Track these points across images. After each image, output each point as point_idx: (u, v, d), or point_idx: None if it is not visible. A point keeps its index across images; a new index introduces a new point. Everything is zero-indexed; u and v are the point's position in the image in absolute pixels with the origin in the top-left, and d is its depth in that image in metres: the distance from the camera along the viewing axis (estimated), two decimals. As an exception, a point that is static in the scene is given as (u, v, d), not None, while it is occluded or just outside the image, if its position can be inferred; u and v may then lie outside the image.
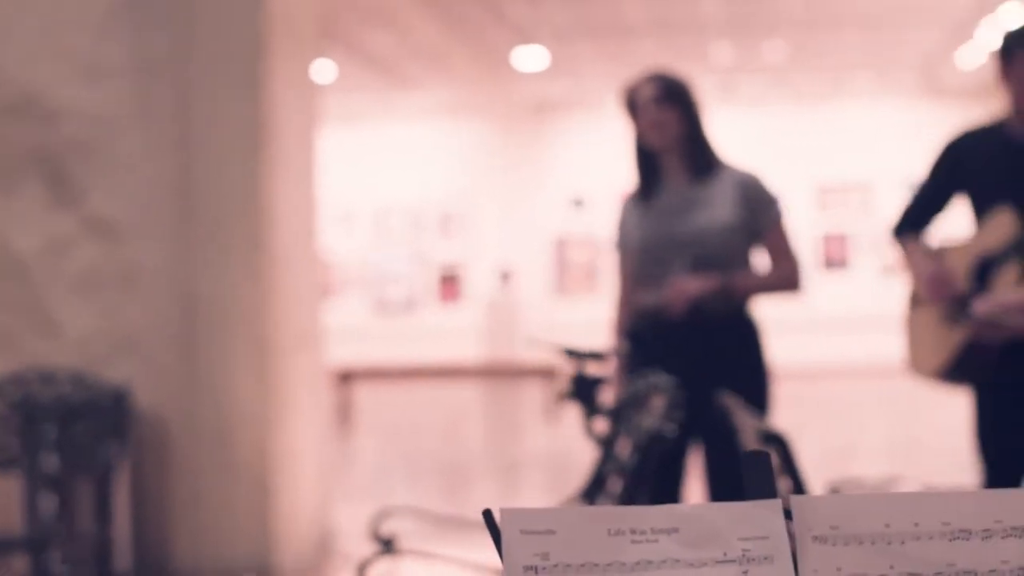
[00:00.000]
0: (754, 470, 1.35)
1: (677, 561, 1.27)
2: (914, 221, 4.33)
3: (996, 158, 4.12)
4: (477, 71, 15.63)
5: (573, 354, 3.19)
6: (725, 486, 4.05)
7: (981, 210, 4.14)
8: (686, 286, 4.16)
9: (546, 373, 13.68)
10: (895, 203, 16.65)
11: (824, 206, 17.61)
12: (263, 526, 6.19)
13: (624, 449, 3.00)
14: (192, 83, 6.16)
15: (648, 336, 4.25)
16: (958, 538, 1.28)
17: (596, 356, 3.20)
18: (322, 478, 6.74)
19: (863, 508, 1.29)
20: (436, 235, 19.42)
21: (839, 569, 1.27)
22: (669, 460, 3.93)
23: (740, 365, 4.23)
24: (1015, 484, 4.04)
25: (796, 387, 13.15)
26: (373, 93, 17.00)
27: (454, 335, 18.53)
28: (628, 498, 2.94)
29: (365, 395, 15.42)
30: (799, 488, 2.35)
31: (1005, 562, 1.28)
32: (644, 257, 4.29)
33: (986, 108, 16.23)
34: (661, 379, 3.00)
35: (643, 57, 14.59)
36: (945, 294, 4.09)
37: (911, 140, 16.35)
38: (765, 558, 1.27)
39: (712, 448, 4.14)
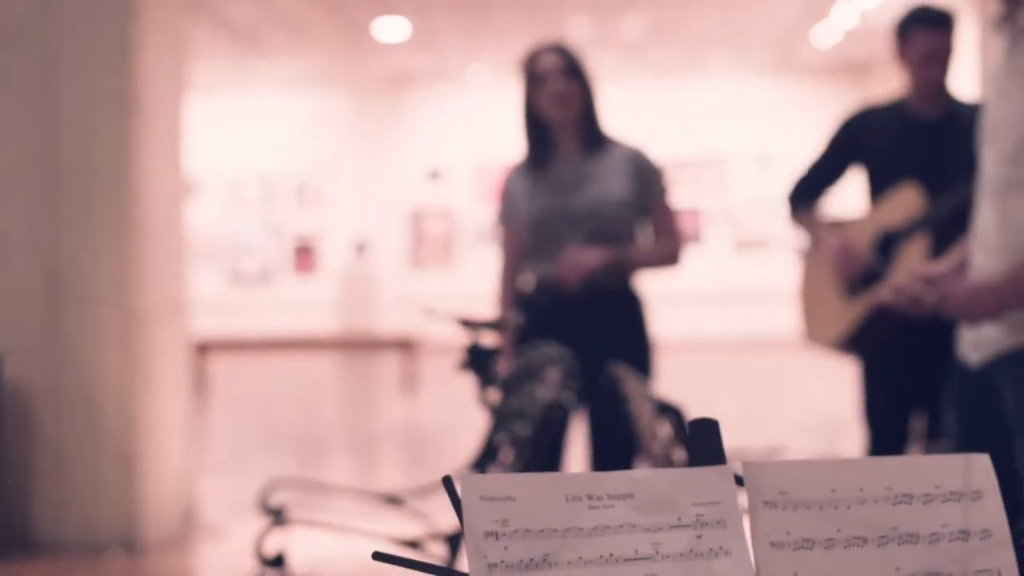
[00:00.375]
0: (703, 438, 1.38)
1: (633, 526, 1.30)
2: (808, 192, 4.44)
3: (896, 135, 4.25)
4: (337, 41, 15.51)
5: (468, 324, 3.20)
6: (610, 453, 4.10)
7: (880, 185, 4.25)
8: (581, 258, 4.18)
9: (403, 345, 13.67)
10: (749, 179, 16.94)
11: (679, 181, 17.87)
12: (128, 498, 6.10)
13: (517, 419, 3.02)
14: (59, 48, 6.02)
15: (540, 308, 4.27)
16: (900, 502, 1.33)
17: (491, 326, 3.22)
18: (186, 450, 6.66)
19: (811, 474, 1.34)
20: (291, 206, 19.25)
21: (788, 533, 1.31)
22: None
23: (628, 337, 4.29)
24: (899, 452, 4.18)
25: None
26: (229, 61, 16.76)
27: (310, 307, 18.40)
28: (523, 468, 2.97)
29: (221, 368, 15.24)
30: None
31: (945, 525, 1.33)
32: (536, 230, 4.30)
33: (841, 86, 16.61)
34: (556, 350, 3.03)
35: (503, 31, 14.62)
36: (851, 266, 4.18)
37: (766, 116, 16.67)
38: (718, 522, 1.31)
39: (598, 417, 4.19)
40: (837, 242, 4.22)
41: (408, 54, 16.47)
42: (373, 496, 3.17)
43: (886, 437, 4.25)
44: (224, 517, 6.88)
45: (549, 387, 2.93)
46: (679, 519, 1.31)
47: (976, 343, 2.87)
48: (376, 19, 14.12)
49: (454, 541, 2.93)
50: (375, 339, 15.74)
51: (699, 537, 1.30)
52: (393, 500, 3.06)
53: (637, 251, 4.28)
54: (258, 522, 4.04)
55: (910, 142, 4.19)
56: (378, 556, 1.23)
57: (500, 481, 1.31)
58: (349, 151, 18.85)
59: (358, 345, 16.61)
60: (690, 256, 18.38)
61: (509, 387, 3.15)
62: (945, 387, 4.05)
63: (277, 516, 3.15)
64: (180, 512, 6.53)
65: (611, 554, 1.26)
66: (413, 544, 2.92)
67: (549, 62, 4.28)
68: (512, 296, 4.40)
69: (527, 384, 3.07)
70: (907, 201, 4.11)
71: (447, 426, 9.91)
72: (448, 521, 2.27)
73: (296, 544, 3.35)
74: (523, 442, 2.95)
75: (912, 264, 4.00)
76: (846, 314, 4.23)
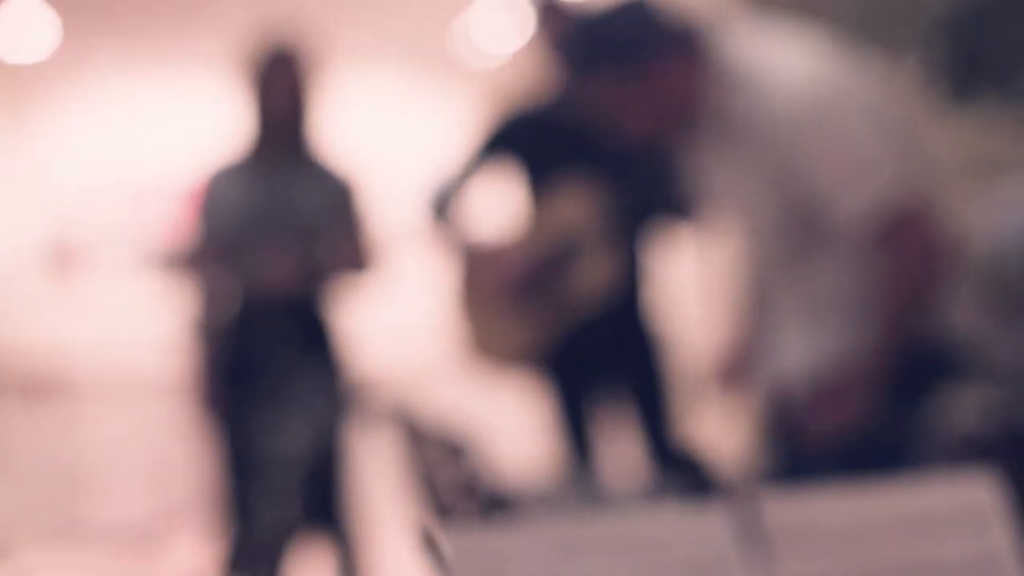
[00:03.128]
0: (691, 475, 1.26)
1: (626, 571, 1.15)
2: (450, 200, 4.27)
3: (551, 137, 4.15)
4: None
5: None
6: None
7: (538, 188, 4.14)
8: (288, 261, 4.09)
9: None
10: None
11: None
12: None
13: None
14: None
15: (250, 317, 4.13)
16: (914, 529, 1.25)
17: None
18: None
19: (827, 507, 1.23)
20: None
21: (805, 569, 1.20)
22: None
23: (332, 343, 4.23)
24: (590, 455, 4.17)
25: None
26: None
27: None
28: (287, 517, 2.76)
29: None
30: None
31: (960, 554, 1.25)
32: (242, 234, 4.16)
33: (481, 85, 16.68)
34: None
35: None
36: (524, 271, 4.09)
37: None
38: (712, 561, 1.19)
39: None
40: (506, 248, 4.13)
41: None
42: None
43: (574, 450, 4.21)
44: None
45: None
46: (671, 560, 1.18)
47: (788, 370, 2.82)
48: None
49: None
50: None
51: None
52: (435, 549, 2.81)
53: (338, 256, 4.21)
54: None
55: (567, 142, 4.11)
56: None
57: (487, 535, 1.15)
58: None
59: None
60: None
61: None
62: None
63: None
64: None
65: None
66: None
67: (279, 61, 4.20)
68: (214, 309, 4.23)
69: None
70: (573, 204, 4.05)
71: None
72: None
73: None
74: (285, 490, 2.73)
75: (591, 277, 4.00)
76: (529, 326, 4.12)
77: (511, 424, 5.43)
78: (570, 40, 2.83)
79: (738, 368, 2.92)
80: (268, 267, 4.12)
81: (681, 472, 1.21)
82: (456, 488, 2.32)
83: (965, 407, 2.86)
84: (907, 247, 2.59)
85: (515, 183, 4.29)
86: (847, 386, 2.59)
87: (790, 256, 2.70)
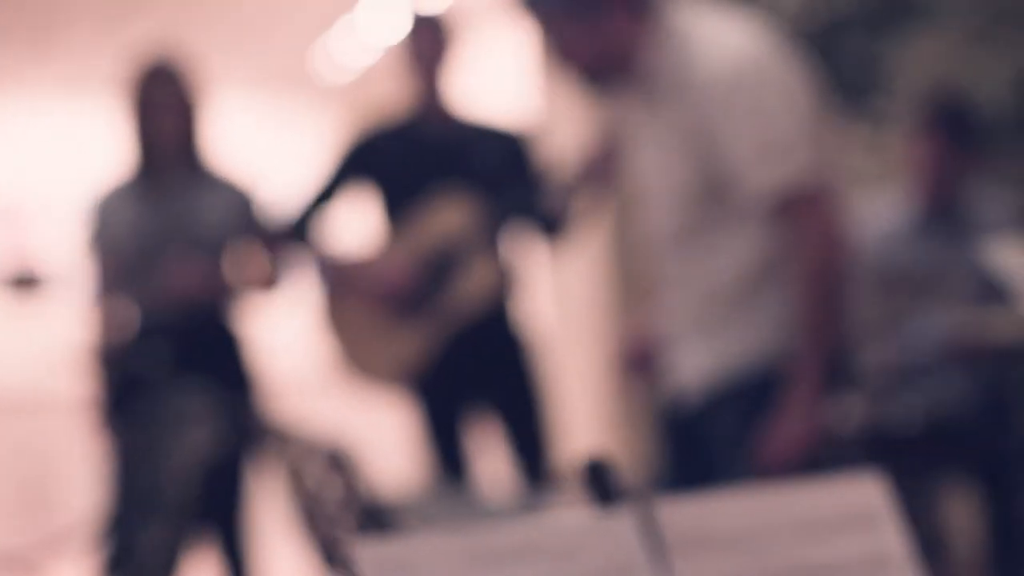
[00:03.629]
0: (599, 480, 1.28)
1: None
2: (313, 219, 4.24)
3: (413, 153, 4.14)
4: None
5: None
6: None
7: (400, 206, 4.15)
8: (192, 271, 4.05)
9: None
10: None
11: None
12: None
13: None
14: None
15: (148, 338, 4.06)
16: (806, 532, 1.28)
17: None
18: None
19: (722, 511, 1.26)
20: None
21: (705, 571, 1.24)
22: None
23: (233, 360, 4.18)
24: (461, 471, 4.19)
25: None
26: None
27: None
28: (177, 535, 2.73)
29: None
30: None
31: (851, 555, 1.29)
32: (140, 255, 4.10)
33: (338, 107, 16.67)
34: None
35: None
36: (404, 289, 4.07)
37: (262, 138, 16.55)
38: (620, 567, 1.22)
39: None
40: (378, 264, 4.11)
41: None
42: None
43: (445, 469, 4.18)
44: None
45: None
46: (584, 565, 1.21)
47: (684, 372, 2.84)
48: None
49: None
50: None
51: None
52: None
53: (244, 272, 4.18)
54: None
55: (429, 158, 4.07)
56: None
57: (400, 546, 1.16)
58: None
59: None
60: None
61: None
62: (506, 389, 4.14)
63: None
64: None
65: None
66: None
67: (163, 83, 4.15)
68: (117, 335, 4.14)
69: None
70: (446, 218, 4.07)
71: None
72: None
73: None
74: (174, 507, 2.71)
75: (475, 286, 4.04)
76: (411, 340, 4.12)
77: (386, 438, 5.43)
78: None
79: (639, 359, 2.96)
80: (174, 284, 4.04)
81: (587, 479, 1.21)
82: (337, 501, 2.32)
83: (841, 410, 2.93)
84: (815, 226, 2.64)
85: (376, 200, 4.28)
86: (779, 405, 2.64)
87: (692, 232, 2.74)
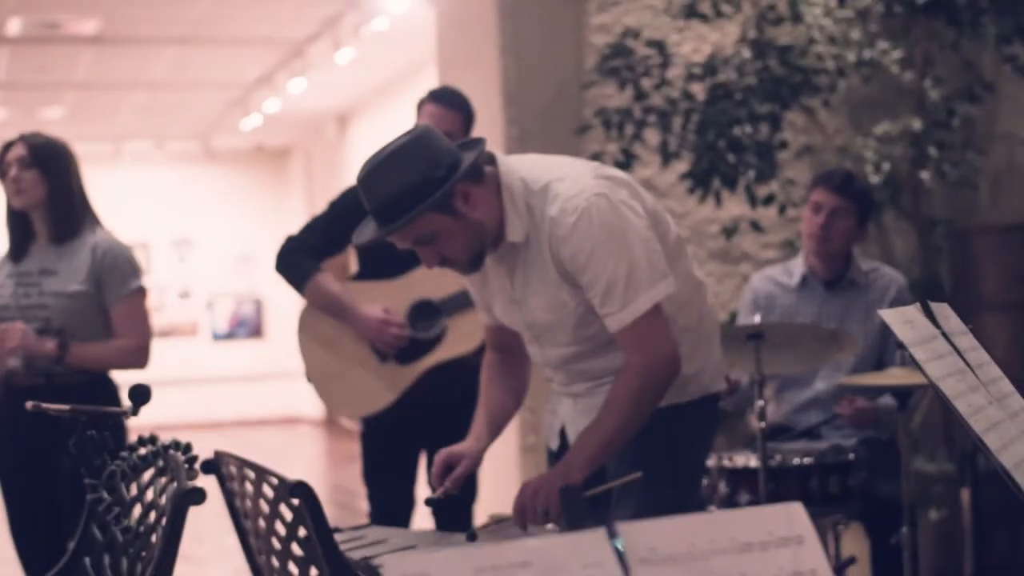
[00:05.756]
0: (572, 505, 1.52)
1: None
2: (314, 255, 4.37)
3: None
4: None
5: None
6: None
7: (389, 256, 4.31)
8: (20, 336, 4.10)
9: None
10: (169, 262, 16.80)
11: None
12: None
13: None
14: None
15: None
16: (745, 551, 1.53)
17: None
18: None
19: (674, 531, 1.51)
20: None
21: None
22: None
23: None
24: (402, 523, 4.38)
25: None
26: None
27: None
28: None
29: None
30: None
31: (781, 568, 1.54)
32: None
33: (261, 171, 16.91)
34: None
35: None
36: (395, 335, 4.32)
37: (185, 201, 16.64)
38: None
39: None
40: (374, 311, 4.32)
41: None
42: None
43: (383, 508, 4.38)
44: None
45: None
46: None
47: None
48: None
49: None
50: None
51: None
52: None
53: (83, 347, 4.17)
54: None
55: None
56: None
57: (417, 561, 1.39)
58: None
59: None
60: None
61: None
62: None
63: None
64: None
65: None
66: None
67: (12, 154, 4.24)
68: None
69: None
70: (446, 274, 4.27)
71: None
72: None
73: None
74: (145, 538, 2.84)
75: (460, 337, 4.28)
76: (394, 385, 4.36)
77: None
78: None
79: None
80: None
81: (564, 505, 1.39)
82: (284, 532, 2.47)
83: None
84: (644, 351, 2.80)
85: (365, 251, 4.43)
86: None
87: (583, 354, 2.96)
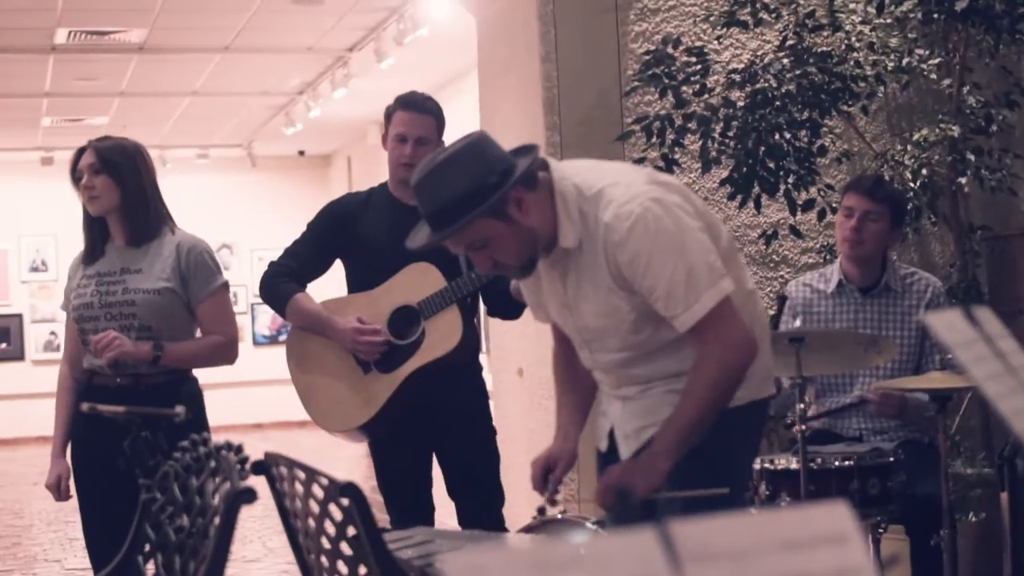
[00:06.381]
0: (625, 505, 1.57)
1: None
2: (295, 279, 4.43)
3: (385, 220, 4.38)
4: None
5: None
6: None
7: (374, 268, 4.37)
8: (108, 339, 4.08)
9: None
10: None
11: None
12: None
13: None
14: None
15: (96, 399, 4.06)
16: (792, 549, 1.58)
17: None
18: None
19: (726, 529, 1.56)
20: None
21: (714, 581, 1.52)
22: None
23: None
24: (428, 519, 4.41)
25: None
26: None
27: None
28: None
29: None
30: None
31: (827, 565, 1.59)
32: (79, 322, 4.24)
33: (303, 178, 17.04)
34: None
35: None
36: (375, 344, 4.32)
37: (229, 207, 16.74)
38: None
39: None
40: (347, 321, 4.33)
41: None
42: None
43: (406, 515, 4.32)
44: None
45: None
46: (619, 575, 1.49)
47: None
48: None
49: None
50: None
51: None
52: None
53: (176, 347, 4.19)
54: None
55: (401, 225, 4.02)
56: None
57: (479, 555, 1.44)
58: None
59: None
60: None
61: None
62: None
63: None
64: None
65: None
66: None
67: (83, 162, 4.26)
68: (76, 387, 4.27)
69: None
70: (417, 279, 4.30)
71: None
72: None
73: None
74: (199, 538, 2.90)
75: (442, 335, 4.28)
76: (381, 390, 4.35)
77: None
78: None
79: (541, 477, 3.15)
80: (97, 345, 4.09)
81: (616, 504, 1.43)
82: (333, 531, 2.52)
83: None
84: (719, 341, 2.85)
85: (349, 262, 4.51)
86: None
87: (636, 358, 3.00)
